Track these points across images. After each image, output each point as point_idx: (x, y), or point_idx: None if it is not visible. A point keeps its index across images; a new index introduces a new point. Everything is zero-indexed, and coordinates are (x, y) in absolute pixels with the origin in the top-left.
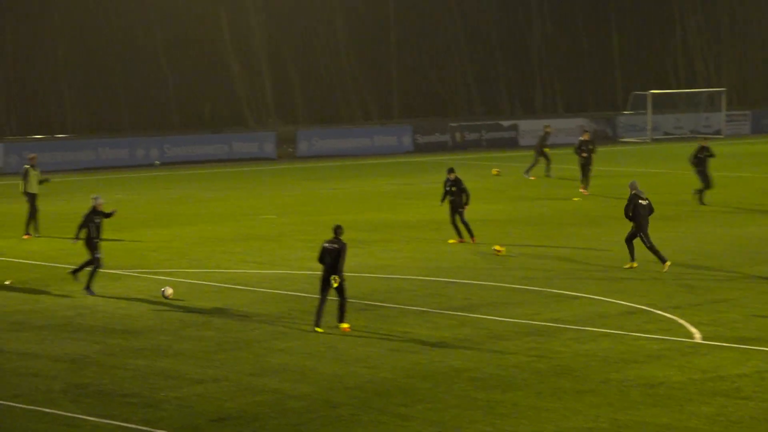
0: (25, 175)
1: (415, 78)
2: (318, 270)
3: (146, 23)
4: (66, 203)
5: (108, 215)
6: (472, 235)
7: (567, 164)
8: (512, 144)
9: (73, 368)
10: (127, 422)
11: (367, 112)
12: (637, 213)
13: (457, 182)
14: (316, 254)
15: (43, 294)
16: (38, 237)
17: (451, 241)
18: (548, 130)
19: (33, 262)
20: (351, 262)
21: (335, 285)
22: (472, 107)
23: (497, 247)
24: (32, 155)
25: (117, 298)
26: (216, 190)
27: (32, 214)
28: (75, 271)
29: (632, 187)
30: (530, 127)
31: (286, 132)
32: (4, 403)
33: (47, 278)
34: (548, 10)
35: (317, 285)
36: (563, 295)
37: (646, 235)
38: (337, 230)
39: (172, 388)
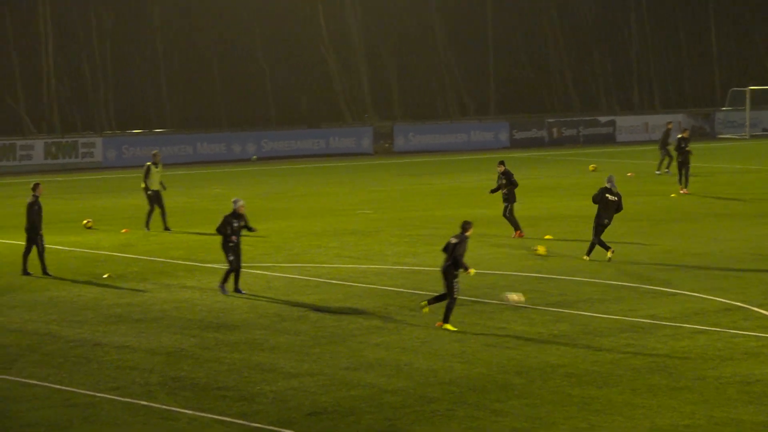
0: (147, 172)
1: (512, 73)
2: (412, 265)
3: (244, 19)
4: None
5: (249, 228)
6: (517, 229)
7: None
8: (609, 140)
9: (169, 361)
10: (222, 415)
11: (463, 108)
12: (603, 206)
13: (507, 175)
14: (411, 249)
15: (141, 288)
16: (147, 231)
17: (547, 236)
18: (670, 126)
19: (131, 256)
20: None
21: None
22: (569, 103)
23: (539, 249)
24: (155, 151)
25: (214, 291)
26: (312, 185)
27: (151, 211)
28: (223, 283)
29: (608, 180)
30: (627, 123)
31: (383, 127)
32: (103, 395)
33: (145, 272)
34: (646, 5)
35: (413, 280)
36: (659, 291)
37: (598, 227)
38: (463, 225)
39: (267, 381)
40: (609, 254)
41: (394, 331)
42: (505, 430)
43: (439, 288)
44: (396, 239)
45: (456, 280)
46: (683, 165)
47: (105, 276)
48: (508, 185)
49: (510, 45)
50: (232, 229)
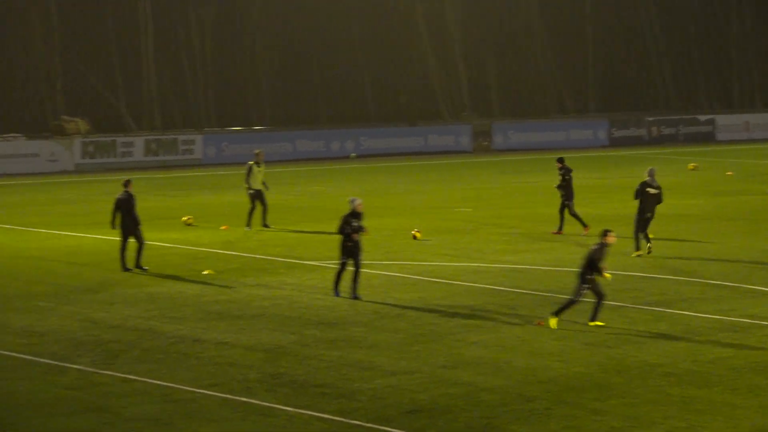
0: (249, 171)
1: (611, 72)
2: (511, 263)
3: (343, 17)
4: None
5: (360, 229)
6: (560, 229)
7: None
8: (709, 138)
9: (268, 358)
10: (321, 412)
11: (562, 106)
12: (644, 199)
13: (566, 171)
14: (510, 247)
15: (241, 284)
16: (248, 230)
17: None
18: None
19: (231, 253)
20: (546, 256)
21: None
22: (668, 101)
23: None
24: (258, 151)
25: (313, 288)
26: (411, 183)
27: (252, 210)
28: (336, 285)
29: (648, 173)
30: (728, 122)
31: (482, 125)
32: (202, 391)
33: (245, 269)
34: (747, 2)
35: (512, 278)
36: (759, 291)
37: (640, 221)
38: (602, 232)
39: (366, 379)
40: (645, 250)
41: (493, 330)
42: (604, 429)
43: (537, 287)
44: (495, 237)
45: (585, 284)
46: None
47: (205, 272)
48: (567, 182)
49: (609, 42)
50: (352, 228)
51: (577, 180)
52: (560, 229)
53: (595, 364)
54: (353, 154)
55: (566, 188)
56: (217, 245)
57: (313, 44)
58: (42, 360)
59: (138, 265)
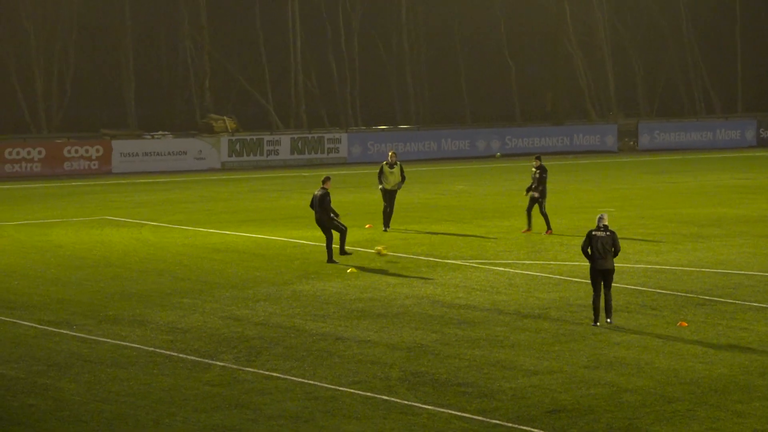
0: (381, 172)
1: (760, 71)
2: (654, 263)
3: (490, 15)
4: (408, 194)
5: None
6: (529, 227)
7: None
8: None
9: (410, 356)
10: (462, 411)
11: (710, 106)
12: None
13: (542, 170)
14: (655, 248)
15: (384, 283)
16: (386, 231)
17: None
18: None
19: (390, 253)
20: (690, 256)
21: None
22: None
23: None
24: (391, 152)
25: (455, 287)
26: (556, 183)
27: (385, 209)
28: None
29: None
30: None
31: (628, 125)
32: (344, 389)
33: (388, 267)
34: None
35: (656, 279)
36: None
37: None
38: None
39: (507, 378)
40: None
41: (635, 330)
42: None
43: (681, 287)
44: (639, 237)
45: None
46: None
47: (349, 271)
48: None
49: (759, 41)
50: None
51: (722, 181)
52: (529, 227)
53: (738, 365)
54: (499, 153)
55: (541, 187)
56: (361, 243)
57: (459, 42)
58: (185, 356)
59: (343, 252)
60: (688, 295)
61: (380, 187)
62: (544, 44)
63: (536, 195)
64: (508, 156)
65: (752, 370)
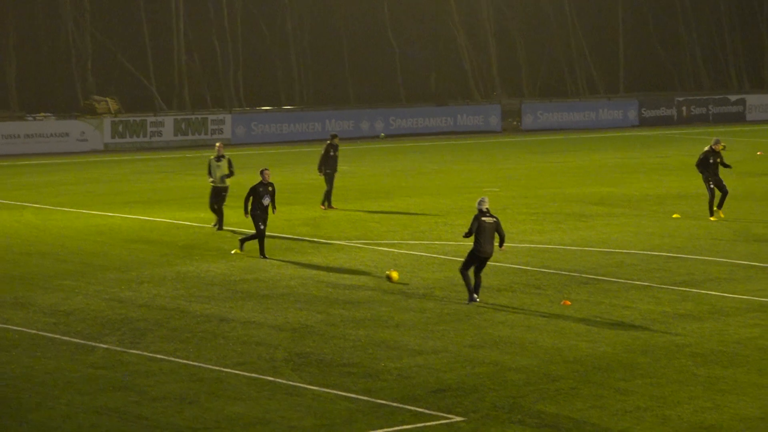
0: (209, 166)
1: (641, 52)
2: (538, 243)
3: None
4: (292, 175)
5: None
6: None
7: None
8: (739, 119)
9: (295, 337)
10: (347, 392)
11: (592, 86)
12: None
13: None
14: (538, 227)
15: (268, 264)
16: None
17: (675, 215)
18: None
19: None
20: (573, 235)
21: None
22: (699, 81)
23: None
24: (218, 143)
25: (340, 268)
26: (440, 163)
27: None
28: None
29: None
30: (758, 102)
31: (511, 105)
32: (228, 370)
33: (271, 248)
34: None
35: (539, 258)
36: None
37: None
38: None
39: (392, 358)
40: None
41: (519, 309)
42: (630, 409)
43: (564, 266)
44: (523, 217)
45: None
46: None
47: (232, 252)
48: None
49: (640, 22)
50: None
51: (605, 160)
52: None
53: (621, 343)
54: (382, 134)
55: (333, 164)
56: (245, 225)
57: (343, 24)
58: (69, 339)
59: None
60: (571, 273)
61: (210, 180)
62: (428, 25)
63: (329, 171)
64: (392, 137)
65: (635, 348)
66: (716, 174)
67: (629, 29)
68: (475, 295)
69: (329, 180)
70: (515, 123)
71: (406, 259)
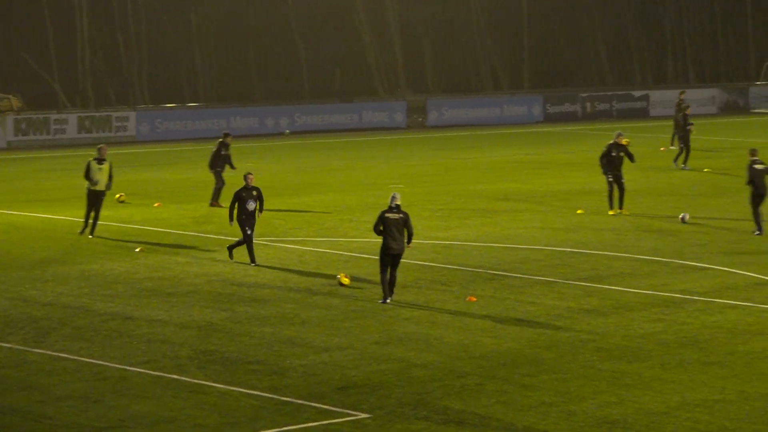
0: (88, 169)
1: (546, 48)
2: (444, 239)
3: None
4: (195, 172)
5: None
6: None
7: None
8: (643, 114)
9: (200, 335)
10: (252, 389)
11: (497, 82)
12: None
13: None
14: (444, 223)
15: (173, 262)
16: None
17: (579, 211)
18: (682, 96)
19: (164, 230)
20: (478, 231)
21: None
22: (602, 77)
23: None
24: (101, 145)
25: (245, 265)
26: (345, 159)
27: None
28: None
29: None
30: (662, 98)
31: (417, 101)
32: (133, 369)
33: (178, 246)
34: None
35: (445, 254)
36: (691, 266)
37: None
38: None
39: (297, 355)
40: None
41: (425, 306)
42: (535, 405)
43: (469, 262)
44: (428, 213)
45: None
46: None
47: (137, 250)
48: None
49: (545, 18)
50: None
51: (510, 156)
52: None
53: (526, 339)
54: (287, 131)
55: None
56: (150, 222)
57: (248, 20)
58: None
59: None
60: (476, 270)
61: (87, 186)
62: (333, 21)
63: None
64: (297, 134)
65: (539, 344)
66: (618, 168)
67: (534, 25)
68: (388, 299)
69: (219, 177)
70: (420, 119)
71: (312, 257)
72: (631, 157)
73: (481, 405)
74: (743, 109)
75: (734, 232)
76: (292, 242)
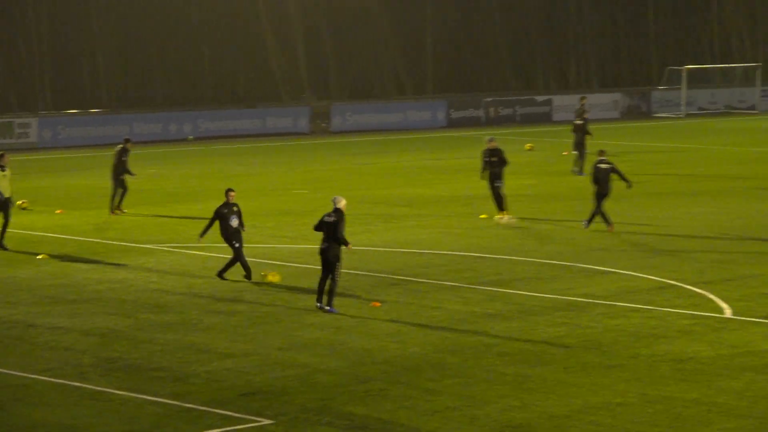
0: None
1: (449, 53)
2: (353, 245)
3: None
4: (97, 179)
5: None
6: (501, 209)
7: (602, 139)
8: (546, 119)
9: (103, 342)
10: (156, 396)
11: (401, 87)
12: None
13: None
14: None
15: (76, 269)
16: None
17: (483, 216)
18: (584, 101)
19: (66, 237)
20: (382, 237)
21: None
22: (506, 82)
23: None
24: (1, 152)
25: (149, 272)
26: (249, 165)
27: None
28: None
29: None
30: (564, 102)
31: (321, 107)
32: (35, 376)
33: (80, 253)
34: None
35: (348, 260)
36: (594, 270)
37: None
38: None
39: (201, 362)
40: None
41: (317, 307)
42: (439, 409)
43: (374, 267)
44: None
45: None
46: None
47: (39, 257)
48: (499, 163)
49: (448, 24)
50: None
51: (414, 162)
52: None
53: (430, 344)
54: (191, 137)
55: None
56: (53, 229)
57: (151, 24)
58: None
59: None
60: (380, 275)
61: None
62: (236, 26)
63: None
64: (200, 139)
65: (443, 348)
66: (497, 173)
67: (437, 30)
68: (318, 304)
69: (121, 184)
70: (324, 125)
71: (216, 262)
72: (503, 163)
73: (385, 410)
74: (646, 114)
75: (636, 236)
76: (196, 248)
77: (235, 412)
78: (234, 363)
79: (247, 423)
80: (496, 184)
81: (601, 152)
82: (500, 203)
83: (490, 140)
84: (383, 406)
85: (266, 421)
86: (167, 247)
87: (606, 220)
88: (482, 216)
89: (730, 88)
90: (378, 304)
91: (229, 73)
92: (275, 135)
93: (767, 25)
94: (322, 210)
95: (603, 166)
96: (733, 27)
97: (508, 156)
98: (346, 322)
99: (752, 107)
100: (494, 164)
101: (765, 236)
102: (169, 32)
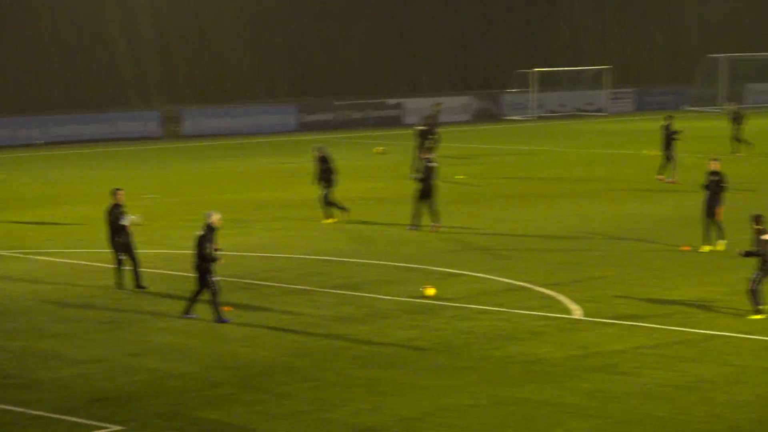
0: None
1: (300, 56)
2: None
3: (29, 1)
4: None
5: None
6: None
7: (452, 142)
8: (397, 122)
9: None
10: (3, 404)
11: (251, 91)
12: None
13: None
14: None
15: None
16: None
17: (330, 220)
18: (439, 108)
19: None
20: (233, 241)
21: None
22: (357, 86)
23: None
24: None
25: None
26: (99, 170)
27: None
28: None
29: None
30: (415, 106)
31: (171, 111)
32: None
33: None
34: None
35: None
36: (445, 272)
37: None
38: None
39: (50, 369)
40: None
41: (180, 316)
42: (290, 413)
43: (224, 272)
44: (183, 224)
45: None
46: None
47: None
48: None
49: (298, 27)
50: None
51: (264, 166)
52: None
53: (280, 348)
54: (40, 142)
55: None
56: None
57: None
58: None
59: None
60: (231, 279)
61: None
62: (85, 30)
63: None
64: (50, 144)
65: (294, 352)
66: (329, 180)
67: (287, 33)
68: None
69: None
70: (175, 129)
71: (65, 268)
72: (330, 171)
73: (236, 415)
74: (496, 116)
75: (486, 238)
76: (45, 254)
77: (84, 418)
78: (83, 369)
79: (96, 430)
80: (326, 191)
81: (428, 150)
82: (331, 208)
83: (319, 149)
84: (234, 410)
85: (116, 427)
86: (15, 252)
87: (415, 221)
88: (329, 220)
89: (580, 90)
90: (229, 308)
91: (78, 77)
92: (125, 139)
93: (616, 29)
94: (173, 215)
95: (430, 164)
96: (582, 30)
97: (335, 164)
98: (197, 327)
99: (600, 110)
100: (324, 171)
101: (612, 237)
102: (16, 36)
